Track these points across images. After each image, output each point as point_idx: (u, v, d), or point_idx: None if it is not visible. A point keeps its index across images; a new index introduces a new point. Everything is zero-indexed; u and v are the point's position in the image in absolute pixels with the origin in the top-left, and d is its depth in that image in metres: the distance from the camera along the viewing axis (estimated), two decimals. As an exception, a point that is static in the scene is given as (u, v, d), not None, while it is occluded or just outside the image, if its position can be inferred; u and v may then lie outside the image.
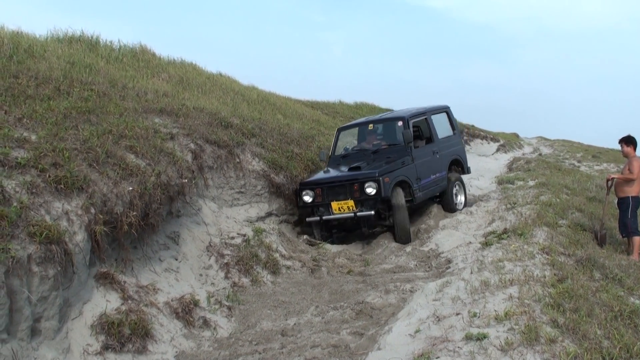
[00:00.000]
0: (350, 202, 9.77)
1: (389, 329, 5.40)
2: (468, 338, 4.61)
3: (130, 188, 6.42)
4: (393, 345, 4.98)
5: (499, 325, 4.77)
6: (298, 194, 10.14)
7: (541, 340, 4.38)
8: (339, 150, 11.69)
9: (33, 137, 6.17)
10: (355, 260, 9.00)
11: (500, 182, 16.08)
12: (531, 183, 14.28)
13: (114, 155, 6.68)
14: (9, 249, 4.58)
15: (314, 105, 21.99)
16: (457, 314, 5.20)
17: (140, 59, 13.32)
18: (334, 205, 9.88)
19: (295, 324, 6.34)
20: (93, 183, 6.01)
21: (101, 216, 5.83)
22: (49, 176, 5.58)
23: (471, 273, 6.61)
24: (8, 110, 6.71)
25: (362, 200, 9.75)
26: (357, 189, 9.71)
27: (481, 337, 4.55)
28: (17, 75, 8.05)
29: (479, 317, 5.02)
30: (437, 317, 5.28)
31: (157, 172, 7.06)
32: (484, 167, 22.80)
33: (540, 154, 28.04)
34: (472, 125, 33.29)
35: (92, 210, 5.76)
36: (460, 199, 12.08)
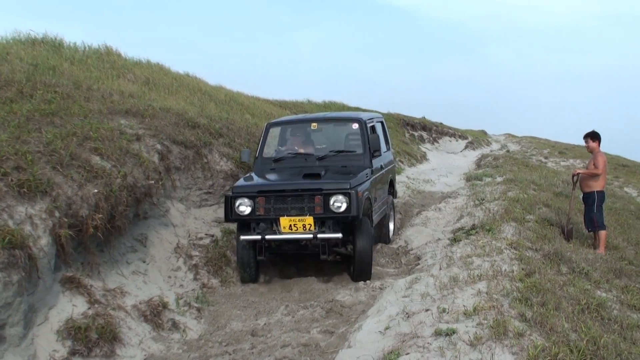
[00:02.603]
0: (309, 220, 7.33)
1: (359, 326, 5.41)
2: (437, 334, 4.64)
3: (96, 190, 6.32)
4: (363, 342, 4.99)
5: (467, 321, 4.80)
6: (229, 203, 7.59)
7: (509, 335, 4.43)
8: (269, 152, 9.12)
9: (-6, 140, 6.05)
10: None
11: (469, 178, 16.29)
12: (499, 179, 14.45)
13: (79, 158, 6.57)
14: (-30, 254, 4.49)
15: (282, 105, 22.00)
16: (427, 310, 5.23)
17: (105, 60, 13.11)
18: (284, 221, 7.39)
19: (265, 323, 6.32)
20: (57, 186, 5.91)
21: (66, 220, 5.73)
22: (12, 180, 5.46)
23: (440, 269, 6.66)
24: (-32, 113, 6.58)
25: (324, 219, 7.44)
26: (319, 202, 7.35)
27: (450, 333, 4.58)
28: (-22, 77, 7.90)
29: (448, 312, 5.05)
30: (407, 313, 5.30)
31: (123, 173, 6.97)
32: (453, 164, 23.06)
33: (508, 151, 28.40)
34: (441, 123, 33.61)
35: (57, 214, 5.66)
36: (391, 226, 9.99)
